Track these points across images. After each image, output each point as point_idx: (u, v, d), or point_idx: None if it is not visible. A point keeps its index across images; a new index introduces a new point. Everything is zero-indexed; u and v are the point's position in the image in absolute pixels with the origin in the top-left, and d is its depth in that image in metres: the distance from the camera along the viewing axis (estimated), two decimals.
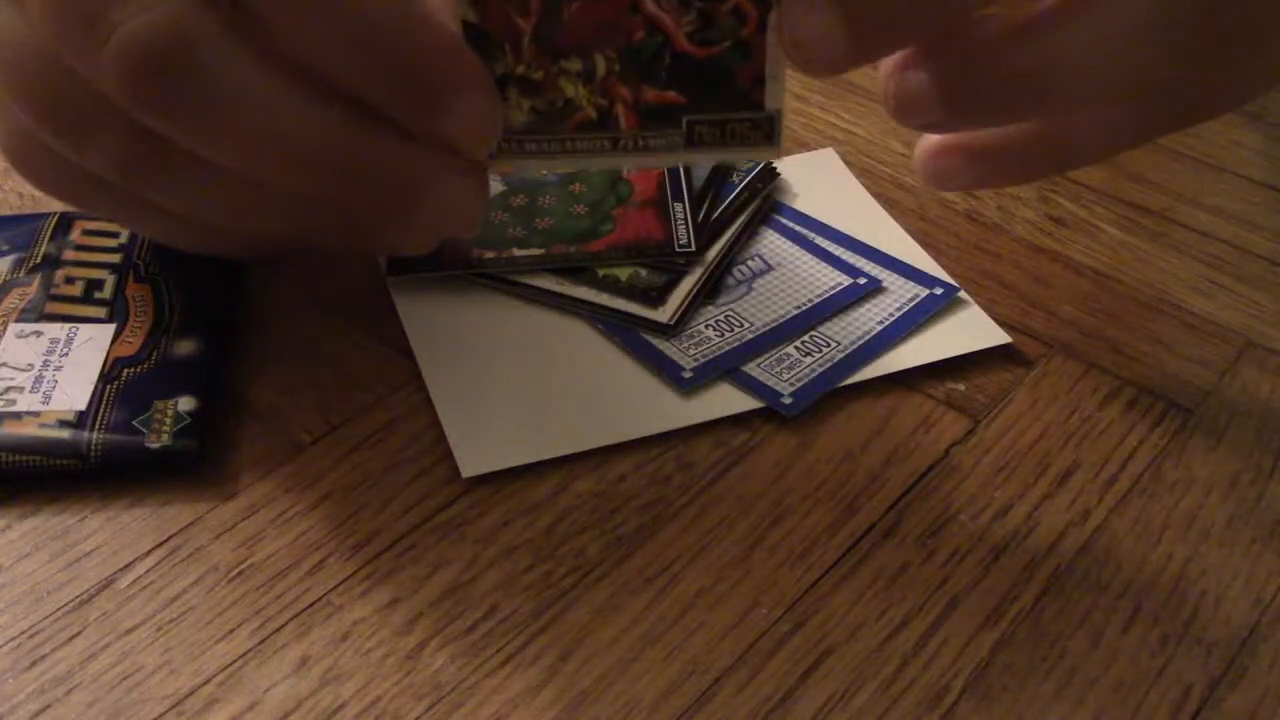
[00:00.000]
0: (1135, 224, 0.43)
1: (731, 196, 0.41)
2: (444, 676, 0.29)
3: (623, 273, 0.38)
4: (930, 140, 0.32)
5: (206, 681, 0.29)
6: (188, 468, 0.33)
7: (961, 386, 0.37)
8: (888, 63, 0.30)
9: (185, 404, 0.34)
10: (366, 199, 0.30)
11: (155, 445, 0.33)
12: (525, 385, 0.36)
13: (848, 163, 0.45)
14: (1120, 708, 0.29)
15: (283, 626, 0.30)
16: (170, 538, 0.32)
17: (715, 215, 0.40)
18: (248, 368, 0.37)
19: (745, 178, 0.42)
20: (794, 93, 0.49)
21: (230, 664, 0.29)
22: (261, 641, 0.30)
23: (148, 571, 0.31)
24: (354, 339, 0.38)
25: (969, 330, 0.38)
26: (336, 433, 0.35)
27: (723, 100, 0.30)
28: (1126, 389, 0.37)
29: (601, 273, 0.38)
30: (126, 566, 0.31)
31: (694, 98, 0.30)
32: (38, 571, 0.31)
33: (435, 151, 0.29)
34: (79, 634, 0.30)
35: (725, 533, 0.32)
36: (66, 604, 0.30)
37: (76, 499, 0.33)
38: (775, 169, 0.43)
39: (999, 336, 0.38)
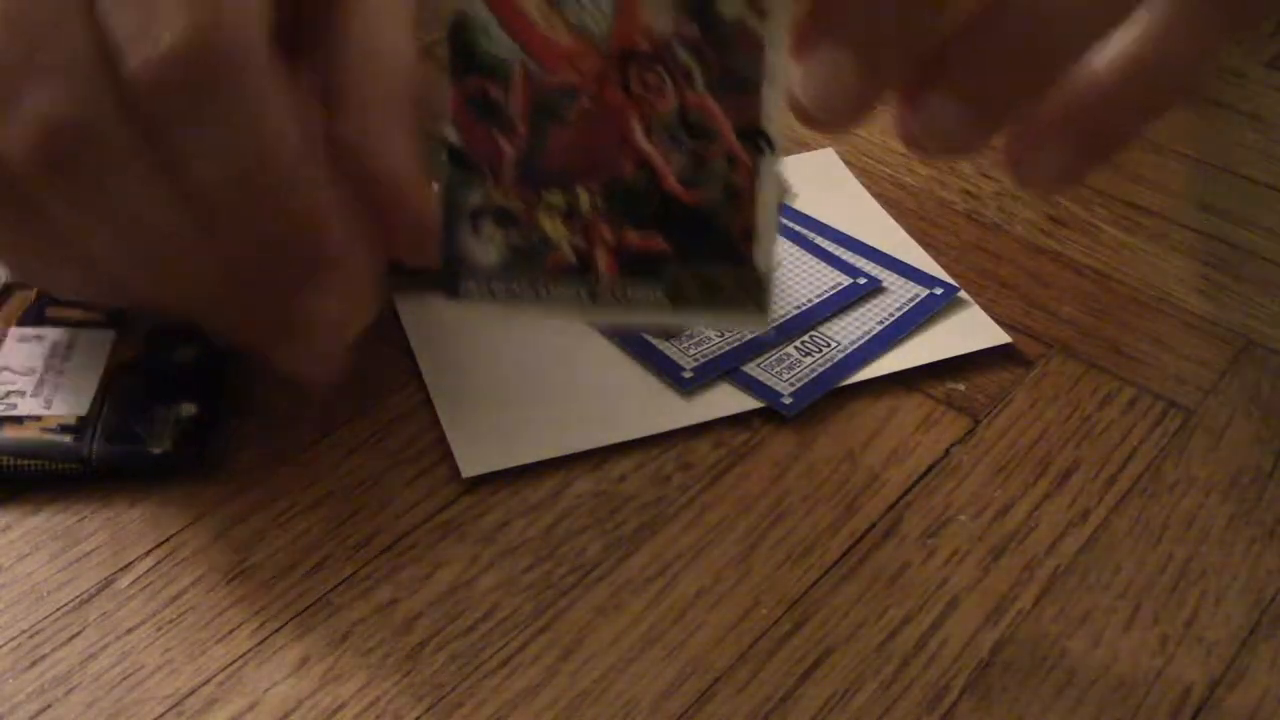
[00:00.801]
0: (1135, 224, 0.43)
1: None
2: (444, 676, 0.29)
3: None
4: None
5: (206, 681, 0.29)
6: (189, 473, 0.33)
7: (961, 386, 0.37)
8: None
9: (186, 409, 0.34)
10: (236, 319, 0.30)
11: (157, 451, 0.33)
12: (525, 385, 0.36)
13: (848, 163, 0.45)
14: (1120, 708, 0.29)
15: (283, 626, 0.30)
16: (170, 538, 0.32)
17: None
18: (248, 368, 0.37)
19: None
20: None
21: (230, 664, 0.29)
22: (261, 641, 0.30)
23: (148, 571, 0.31)
24: (354, 339, 0.38)
25: (969, 330, 0.38)
26: (336, 433, 0.35)
27: (709, 251, 0.28)
28: (1126, 389, 0.37)
29: None
30: (126, 566, 0.31)
31: (679, 246, 0.28)
32: (38, 571, 0.31)
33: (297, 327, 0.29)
34: (79, 634, 0.30)
35: (725, 533, 0.33)
36: (66, 604, 0.30)
37: (77, 499, 0.33)
38: None
39: (999, 336, 0.38)
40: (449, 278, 0.28)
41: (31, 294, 0.36)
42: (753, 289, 0.28)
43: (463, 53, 0.27)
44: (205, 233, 0.27)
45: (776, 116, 0.27)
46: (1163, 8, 0.26)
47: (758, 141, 0.27)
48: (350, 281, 0.29)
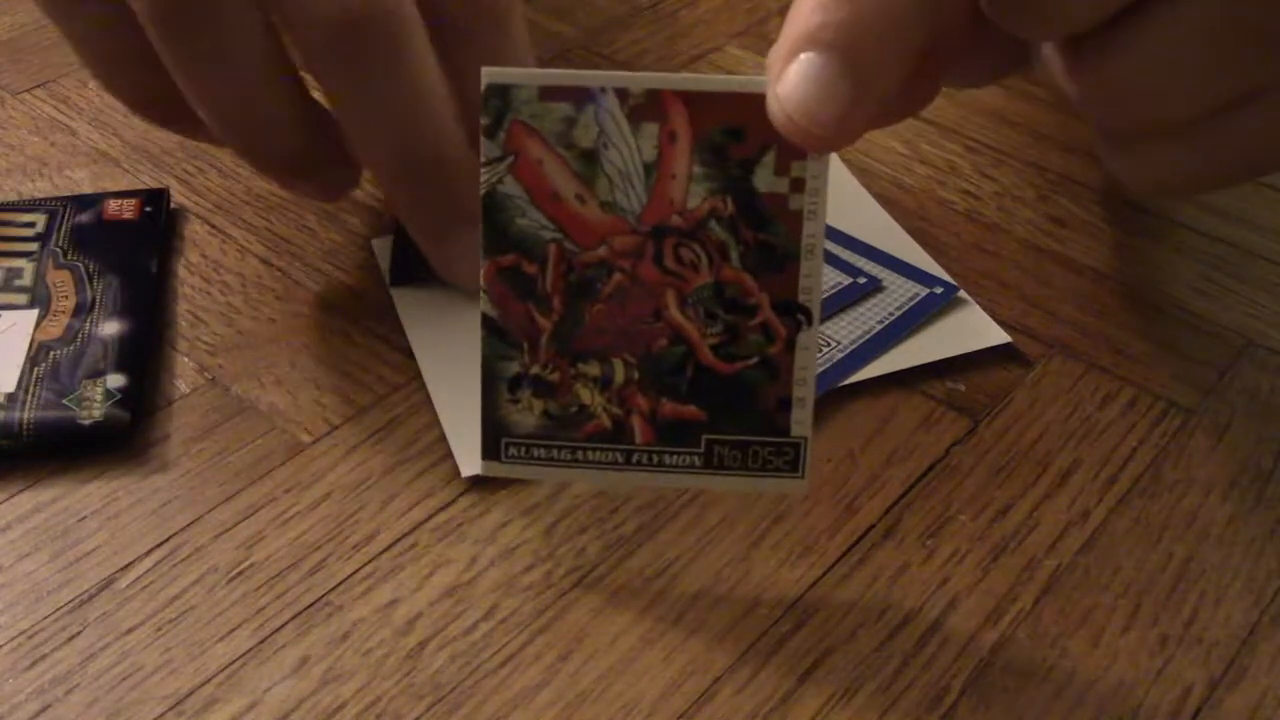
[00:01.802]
0: (1135, 224, 0.43)
1: None
2: (444, 676, 0.29)
3: None
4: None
5: (206, 681, 0.29)
6: (121, 441, 0.34)
7: (961, 386, 0.37)
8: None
9: (114, 381, 0.34)
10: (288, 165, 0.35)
11: (87, 421, 0.33)
12: None
13: (848, 163, 0.45)
14: (1120, 708, 0.29)
15: (283, 626, 0.30)
16: (170, 538, 0.32)
17: None
18: (248, 368, 0.37)
19: None
20: None
21: (230, 664, 0.29)
22: (261, 641, 0.30)
23: (148, 571, 0.31)
24: (354, 339, 0.38)
25: (969, 330, 0.38)
26: (336, 433, 0.35)
27: (745, 420, 0.28)
28: (1126, 389, 0.37)
29: None
30: (126, 566, 0.31)
31: (714, 415, 0.28)
32: (38, 571, 0.31)
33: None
34: (79, 634, 0.30)
35: (725, 533, 0.32)
36: (66, 604, 0.30)
37: (77, 499, 0.33)
38: None
39: (999, 336, 0.38)
40: (490, 442, 0.29)
41: None
42: (788, 452, 0.28)
43: (497, 229, 0.27)
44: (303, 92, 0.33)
45: (814, 288, 0.27)
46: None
47: (795, 315, 0.27)
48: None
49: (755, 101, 0.25)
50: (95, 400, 0.34)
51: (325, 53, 0.30)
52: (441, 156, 0.33)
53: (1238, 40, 0.25)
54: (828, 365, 0.37)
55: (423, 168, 0.33)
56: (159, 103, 0.35)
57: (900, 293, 0.39)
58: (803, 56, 0.24)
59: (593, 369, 0.28)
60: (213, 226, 0.42)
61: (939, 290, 0.39)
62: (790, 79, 0.24)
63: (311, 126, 0.34)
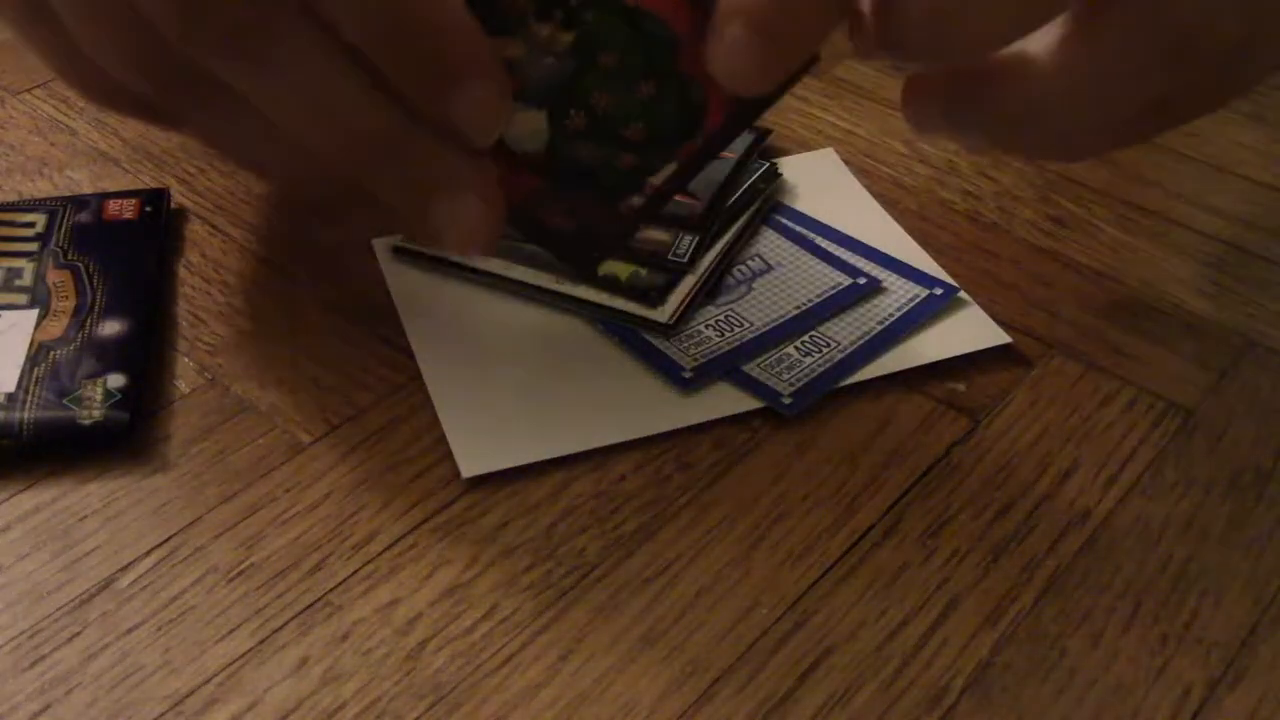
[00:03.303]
0: (1135, 224, 0.43)
1: (735, 198, 0.41)
2: (444, 676, 0.29)
3: (622, 272, 0.38)
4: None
5: (206, 681, 0.29)
6: (121, 441, 0.34)
7: (961, 386, 0.37)
8: (907, 87, 0.32)
9: (114, 381, 0.34)
10: (385, 183, 0.31)
11: (87, 421, 0.33)
12: (525, 385, 0.36)
13: (848, 163, 0.45)
14: (1120, 708, 0.29)
15: (283, 626, 0.30)
16: (170, 538, 0.32)
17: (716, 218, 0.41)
18: (248, 368, 0.37)
19: (748, 179, 0.42)
20: (794, 93, 0.49)
21: (230, 664, 0.29)
22: (261, 641, 0.30)
23: (148, 571, 0.31)
24: (354, 339, 0.38)
25: (969, 330, 0.38)
26: (336, 433, 0.35)
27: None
28: (1126, 389, 0.37)
29: (601, 272, 0.38)
30: (126, 566, 0.31)
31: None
32: (38, 571, 0.31)
33: (456, 161, 0.30)
34: (79, 634, 0.30)
35: (725, 533, 0.33)
36: (66, 604, 0.30)
37: (77, 499, 0.33)
38: (777, 169, 0.43)
39: (999, 336, 0.38)
40: None
41: None
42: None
43: None
44: (367, 85, 0.30)
45: None
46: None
47: None
48: (490, 84, 0.30)
49: None
50: (95, 400, 0.34)
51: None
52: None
53: (1152, 58, 0.29)
54: (828, 365, 0.37)
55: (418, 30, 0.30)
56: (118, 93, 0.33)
57: (900, 293, 0.39)
58: (733, 26, 0.27)
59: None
60: (213, 226, 0.42)
61: (939, 291, 0.39)
62: (723, 42, 0.28)
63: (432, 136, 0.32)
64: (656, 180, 0.31)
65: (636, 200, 0.32)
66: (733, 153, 0.42)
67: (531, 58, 0.30)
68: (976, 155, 0.36)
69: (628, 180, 0.32)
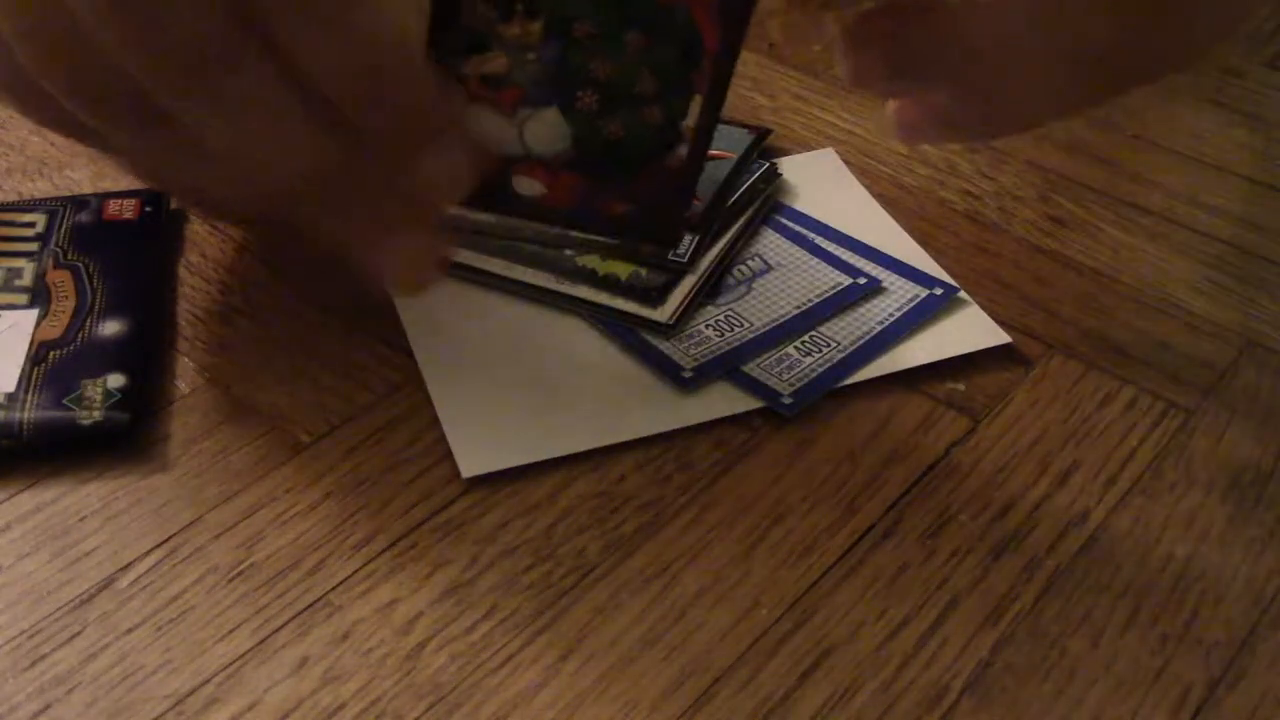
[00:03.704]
0: (1135, 224, 0.43)
1: (735, 198, 0.41)
2: (444, 676, 0.29)
3: (623, 271, 0.38)
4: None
5: (206, 681, 0.29)
6: (121, 441, 0.34)
7: (961, 386, 0.37)
8: (841, 40, 0.31)
9: (115, 381, 0.34)
10: (332, 222, 0.32)
11: (87, 422, 0.33)
12: (525, 385, 0.36)
13: (848, 163, 0.45)
14: (1120, 708, 0.29)
15: (283, 626, 0.30)
16: (170, 538, 0.32)
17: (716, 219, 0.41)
18: (248, 368, 0.37)
19: (748, 179, 0.42)
20: (794, 93, 0.49)
21: (230, 664, 0.29)
22: (261, 641, 0.30)
23: (148, 571, 0.31)
24: (354, 339, 0.38)
25: (969, 330, 0.38)
26: (336, 433, 0.35)
27: None
28: (1126, 389, 0.37)
29: (601, 272, 0.38)
30: (126, 566, 0.31)
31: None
32: (38, 571, 0.31)
33: (403, 203, 0.31)
34: (79, 634, 0.30)
35: (725, 533, 0.33)
36: (66, 604, 0.30)
37: (77, 499, 0.33)
38: (777, 169, 0.43)
39: (999, 336, 0.38)
40: None
41: None
42: None
43: None
44: (323, 122, 0.29)
45: None
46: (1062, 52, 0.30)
47: None
48: (453, 150, 0.31)
49: None
50: (95, 400, 0.34)
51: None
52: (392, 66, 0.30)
53: None
54: (828, 365, 0.37)
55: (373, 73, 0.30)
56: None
57: (900, 293, 0.39)
58: None
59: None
60: (213, 226, 0.42)
61: (939, 291, 0.39)
62: None
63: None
64: (690, 121, 0.31)
65: (682, 149, 0.31)
66: (732, 153, 0.42)
67: (515, 62, 0.30)
68: (913, 137, 0.35)
69: (663, 134, 0.31)
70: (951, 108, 0.32)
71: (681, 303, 0.38)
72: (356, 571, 0.31)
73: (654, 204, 0.32)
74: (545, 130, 0.31)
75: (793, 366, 0.36)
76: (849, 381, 0.36)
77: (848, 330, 0.38)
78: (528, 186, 0.32)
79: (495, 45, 0.29)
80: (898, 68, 0.31)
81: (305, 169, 0.30)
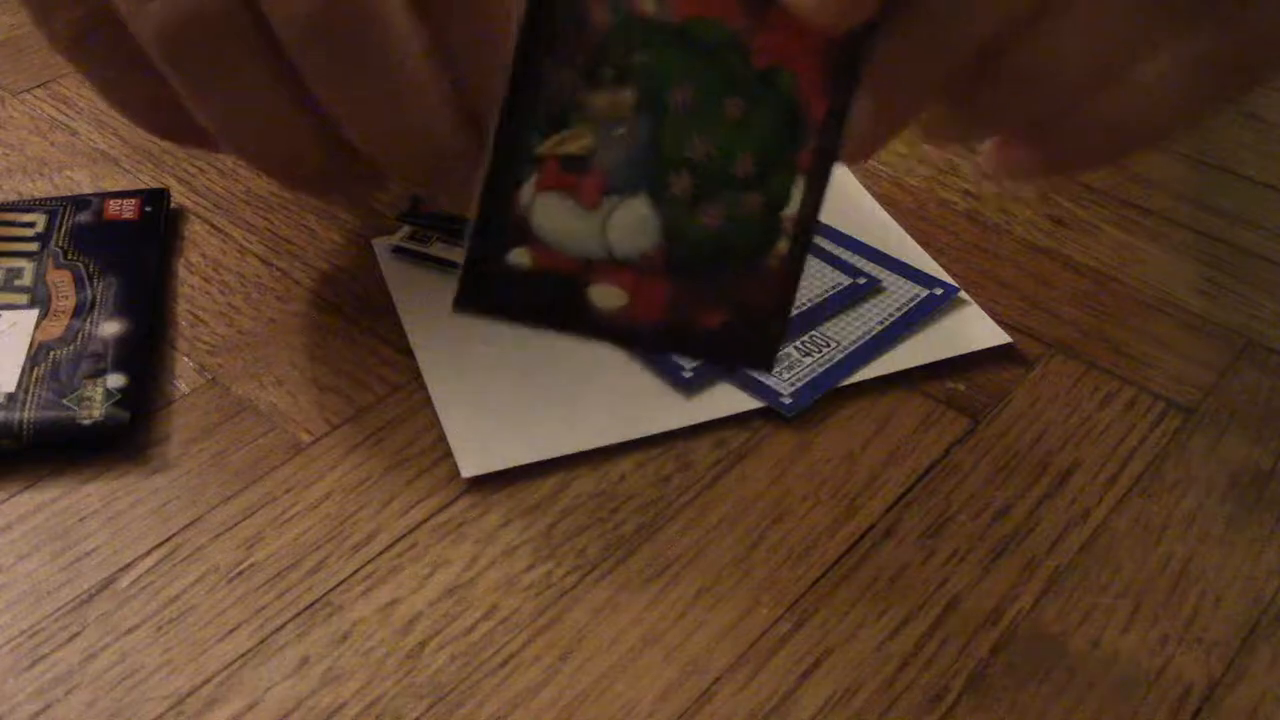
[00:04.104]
0: (1135, 224, 0.43)
1: None
2: (444, 676, 0.29)
3: None
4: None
5: (206, 681, 0.29)
6: (121, 441, 0.34)
7: (961, 386, 0.37)
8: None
9: (114, 380, 0.34)
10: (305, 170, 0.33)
11: (87, 421, 0.33)
12: (525, 385, 0.36)
13: None
14: (1120, 708, 0.29)
15: (283, 626, 0.30)
16: (170, 538, 0.32)
17: None
18: (248, 368, 0.37)
19: None
20: None
21: (230, 664, 0.29)
22: (261, 641, 0.30)
23: (148, 571, 0.31)
24: (354, 339, 0.38)
25: (969, 330, 0.38)
26: (336, 433, 0.35)
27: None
28: (1126, 389, 0.37)
29: None
30: (126, 566, 0.31)
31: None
32: (38, 571, 0.31)
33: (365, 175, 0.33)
34: (79, 634, 0.30)
35: (725, 533, 0.32)
36: (66, 604, 0.30)
37: (77, 499, 0.33)
38: None
39: (999, 336, 0.38)
40: None
41: None
42: None
43: None
44: (319, 129, 0.31)
45: None
46: (1151, 74, 0.28)
47: None
48: (460, 180, 0.31)
49: None
50: (95, 400, 0.34)
51: (303, 46, 0.30)
52: (430, 145, 0.32)
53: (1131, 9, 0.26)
54: (828, 365, 0.37)
55: (414, 156, 0.32)
56: (167, 121, 0.35)
57: (900, 293, 0.39)
58: None
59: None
60: (213, 226, 0.42)
61: (939, 291, 0.39)
62: None
63: (327, 141, 0.34)
64: (791, 211, 0.27)
65: (782, 245, 0.27)
66: None
67: (602, 139, 0.25)
68: (1022, 178, 0.33)
69: (763, 227, 0.26)
70: (1053, 139, 0.30)
71: None
72: (356, 571, 0.31)
73: (751, 314, 0.27)
74: (633, 223, 0.26)
75: (793, 366, 0.36)
76: (849, 381, 0.36)
77: (848, 330, 0.38)
78: (608, 297, 0.26)
79: (579, 119, 0.25)
80: (971, 106, 0.28)
81: (299, 165, 0.31)
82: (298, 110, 0.31)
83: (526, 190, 0.25)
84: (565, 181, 0.26)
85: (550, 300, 0.26)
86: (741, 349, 0.27)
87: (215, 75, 0.30)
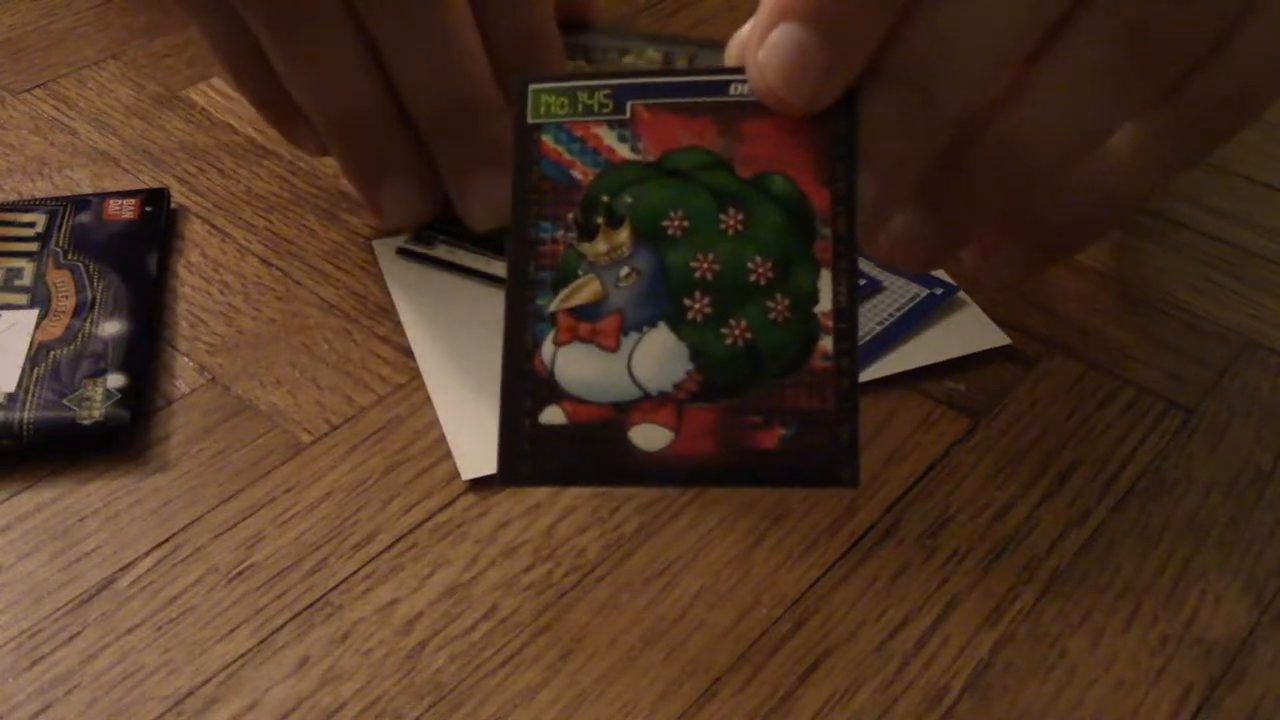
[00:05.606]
0: (1135, 224, 0.43)
1: None
2: (444, 676, 0.29)
3: None
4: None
5: (206, 681, 0.29)
6: (121, 441, 0.34)
7: (961, 386, 0.37)
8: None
9: (114, 381, 0.34)
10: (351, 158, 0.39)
11: (87, 421, 0.33)
12: None
13: None
14: (1120, 708, 0.29)
15: (283, 626, 0.30)
16: (170, 538, 0.32)
17: None
18: (248, 368, 0.37)
19: None
20: None
21: (230, 664, 0.29)
22: (261, 641, 0.30)
23: (148, 571, 0.31)
24: (354, 339, 0.38)
25: (969, 330, 0.38)
26: (336, 433, 0.35)
27: None
28: (1126, 389, 0.37)
29: None
30: (126, 566, 0.31)
31: None
32: (38, 571, 0.31)
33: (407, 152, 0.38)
34: (79, 634, 0.30)
35: (725, 533, 0.32)
36: (66, 604, 0.30)
37: (77, 499, 0.33)
38: None
39: (999, 337, 0.38)
40: None
41: None
42: None
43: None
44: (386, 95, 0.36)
45: None
46: (1129, 144, 0.29)
47: None
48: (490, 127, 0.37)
49: None
50: (95, 400, 0.34)
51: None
52: (476, 96, 0.37)
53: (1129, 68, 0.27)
54: None
55: (458, 105, 0.37)
56: (275, 103, 0.38)
57: (900, 294, 0.39)
58: (782, 26, 0.25)
59: None
60: (213, 226, 0.42)
61: (939, 291, 0.39)
62: (770, 48, 0.25)
63: (403, 128, 0.37)
64: (825, 306, 0.25)
65: (825, 343, 0.25)
66: None
67: (610, 282, 0.26)
68: (1022, 276, 0.32)
69: (798, 329, 0.25)
70: (1038, 224, 0.30)
71: None
72: (356, 571, 0.31)
73: (812, 423, 0.25)
74: (658, 354, 0.25)
75: None
76: None
77: None
78: (651, 436, 0.25)
79: (582, 270, 0.26)
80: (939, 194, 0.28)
81: (345, 113, 0.36)
82: (364, 67, 0.35)
83: (547, 348, 0.25)
84: (583, 330, 0.25)
85: (594, 452, 0.25)
86: (814, 464, 0.25)
87: (296, 22, 0.35)
